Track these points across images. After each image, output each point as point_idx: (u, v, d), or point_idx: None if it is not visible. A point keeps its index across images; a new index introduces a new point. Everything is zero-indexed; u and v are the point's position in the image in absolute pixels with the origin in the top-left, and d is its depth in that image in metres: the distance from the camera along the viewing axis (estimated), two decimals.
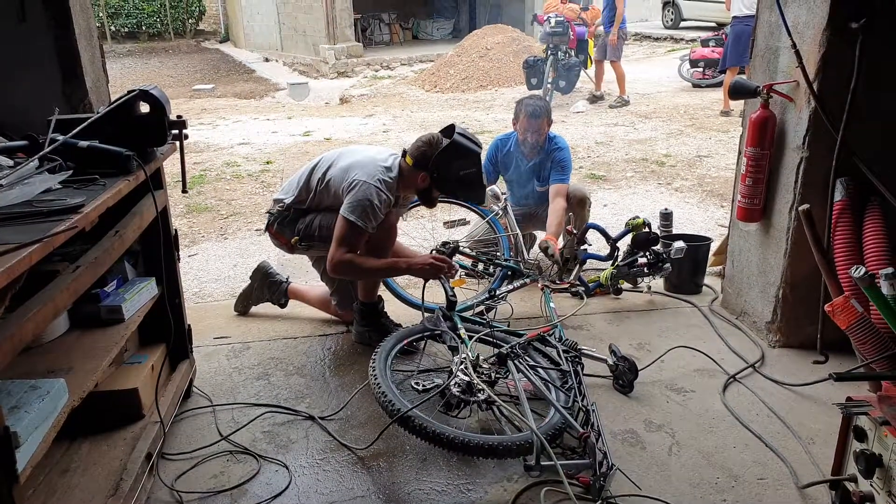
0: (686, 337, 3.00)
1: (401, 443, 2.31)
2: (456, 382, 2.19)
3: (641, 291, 3.48)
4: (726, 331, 3.06)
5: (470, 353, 2.32)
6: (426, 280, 2.76)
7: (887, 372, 2.22)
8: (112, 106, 2.07)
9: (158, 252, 2.30)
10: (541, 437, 1.97)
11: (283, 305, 3.29)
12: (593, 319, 3.21)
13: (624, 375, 2.57)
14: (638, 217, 3.26)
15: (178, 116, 2.22)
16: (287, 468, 2.22)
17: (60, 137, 1.92)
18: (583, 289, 3.25)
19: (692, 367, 2.77)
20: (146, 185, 2.10)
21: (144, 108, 2.15)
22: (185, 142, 2.26)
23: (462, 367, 2.23)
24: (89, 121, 1.96)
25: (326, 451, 2.30)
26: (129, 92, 2.12)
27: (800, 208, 2.51)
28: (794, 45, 2.57)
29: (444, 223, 3.62)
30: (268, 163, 6.84)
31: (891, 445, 1.74)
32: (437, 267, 2.71)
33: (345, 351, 2.97)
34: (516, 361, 2.36)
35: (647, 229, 3.22)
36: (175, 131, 2.21)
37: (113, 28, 19.37)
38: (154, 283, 2.35)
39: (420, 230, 3.95)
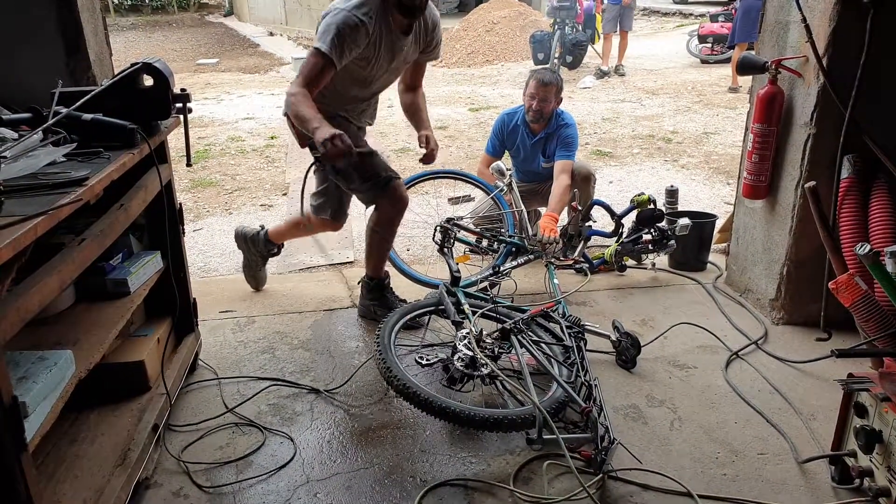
0: (689, 313, 3.01)
1: (404, 416, 2.34)
2: (459, 357, 2.20)
3: (646, 268, 3.47)
4: (730, 308, 3.07)
5: (473, 328, 2.33)
6: (326, 162, 2.56)
7: (890, 349, 2.23)
8: (115, 79, 2.06)
9: (163, 226, 2.30)
10: (543, 411, 1.99)
11: (275, 253, 3.27)
12: (597, 296, 3.21)
13: (627, 351, 2.58)
14: (643, 194, 3.26)
15: (182, 90, 2.21)
16: (292, 440, 2.25)
17: (64, 110, 1.91)
18: (587, 265, 3.25)
19: (695, 344, 2.77)
20: (150, 158, 2.10)
21: (148, 81, 2.14)
22: (190, 116, 2.25)
23: (465, 341, 2.24)
24: (93, 93, 1.95)
25: (331, 424, 2.33)
26: (132, 65, 2.11)
27: (806, 185, 2.49)
28: (803, 20, 2.53)
29: (449, 199, 3.61)
30: (272, 138, 6.82)
31: (891, 422, 1.75)
32: (335, 151, 2.32)
33: (349, 325, 2.99)
34: (519, 336, 2.37)
35: (652, 206, 3.21)
36: (179, 105, 2.21)
37: (116, 1, 19.20)
38: (159, 256, 2.36)
39: (424, 206, 3.94)
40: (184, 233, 2.56)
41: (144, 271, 2.28)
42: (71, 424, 2.11)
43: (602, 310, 3.08)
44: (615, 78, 9.27)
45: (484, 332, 2.36)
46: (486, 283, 3.00)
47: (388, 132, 6.85)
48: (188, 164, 2.29)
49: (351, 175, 2.74)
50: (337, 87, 2.67)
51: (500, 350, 2.33)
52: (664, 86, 8.72)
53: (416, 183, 3.48)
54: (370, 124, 2.98)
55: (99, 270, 2.16)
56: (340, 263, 3.77)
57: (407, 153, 6.12)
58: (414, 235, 3.92)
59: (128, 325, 2.35)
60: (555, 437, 1.95)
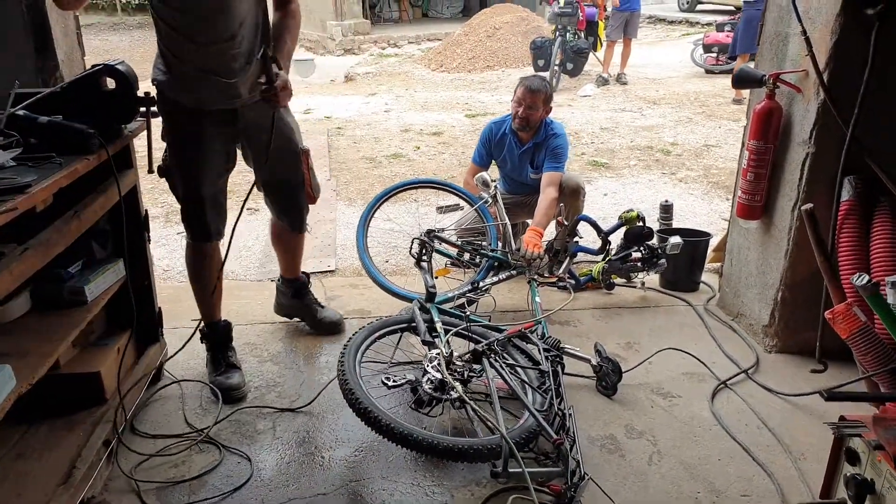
0: (678, 337, 2.87)
1: (369, 439, 2.22)
2: (428, 379, 2.09)
3: (635, 287, 3.35)
4: (721, 332, 2.93)
5: (444, 349, 2.21)
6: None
7: (885, 393, 2.09)
8: (73, 80, 2.00)
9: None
10: (510, 442, 1.87)
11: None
12: (581, 315, 3.08)
13: (608, 377, 2.46)
14: (632, 210, 3.14)
15: (146, 93, 2.14)
16: (250, 460, 2.14)
17: (19, 112, 1.84)
18: (571, 283, 3.12)
19: (681, 371, 2.64)
20: (110, 164, 2.00)
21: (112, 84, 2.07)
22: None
23: (434, 363, 2.13)
24: (43, 94, 1.87)
25: (292, 445, 2.22)
26: (93, 66, 2.05)
27: (802, 208, 2.37)
28: (804, 32, 2.42)
29: (438, 208, 3.50)
30: None
31: (884, 472, 1.62)
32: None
33: (323, 338, 2.87)
34: (492, 359, 2.24)
35: (640, 223, 3.09)
36: (143, 108, 2.12)
37: (123, 0, 19.24)
38: (122, 264, 2.28)
39: (407, 216, 3.83)
40: (149, 240, 2.47)
41: (104, 280, 2.20)
42: (20, 438, 2.03)
43: (586, 330, 2.95)
44: (616, 86, 9.15)
45: (455, 354, 2.25)
46: (463, 300, 2.87)
47: (381, 137, 6.74)
48: (150, 171, 2.20)
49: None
50: (172, 24, 2.18)
51: (472, 373, 2.21)
52: (666, 95, 8.59)
53: (400, 192, 3.38)
54: (243, 92, 2.50)
55: (56, 278, 2.08)
56: (321, 272, 3.65)
57: (399, 159, 6.01)
58: (396, 245, 3.81)
59: (86, 334, 2.26)
60: (520, 470, 1.83)
